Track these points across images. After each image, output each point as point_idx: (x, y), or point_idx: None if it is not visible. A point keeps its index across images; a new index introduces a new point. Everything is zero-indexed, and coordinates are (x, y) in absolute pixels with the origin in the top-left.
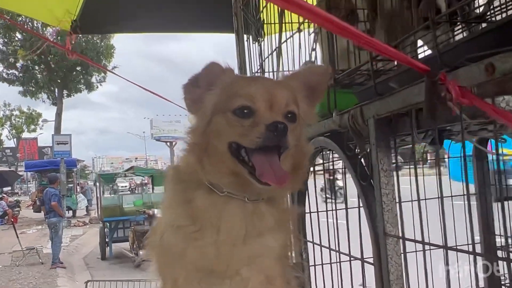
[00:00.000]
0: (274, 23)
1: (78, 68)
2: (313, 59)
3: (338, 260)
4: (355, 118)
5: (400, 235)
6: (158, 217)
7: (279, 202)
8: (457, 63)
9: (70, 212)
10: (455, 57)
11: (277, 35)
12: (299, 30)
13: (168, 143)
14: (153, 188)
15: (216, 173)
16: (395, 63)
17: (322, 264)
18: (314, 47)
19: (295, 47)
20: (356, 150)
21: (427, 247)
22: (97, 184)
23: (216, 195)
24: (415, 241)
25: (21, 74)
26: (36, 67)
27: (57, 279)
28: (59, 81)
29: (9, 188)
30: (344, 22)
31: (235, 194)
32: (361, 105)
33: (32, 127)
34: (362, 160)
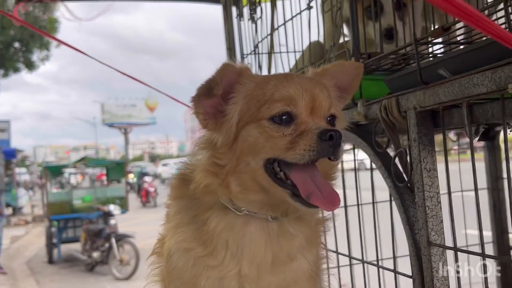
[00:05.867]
0: None
1: (16, 45)
2: (321, 39)
3: (337, 264)
4: (389, 110)
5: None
6: (163, 234)
7: (310, 216)
8: None
9: (10, 209)
10: None
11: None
12: (308, 7)
13: (123, 130)
14: (108, 182)
15: (243, 191)
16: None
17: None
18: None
19: (296, 25)
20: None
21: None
22: (43, 177)
23: (233, 215)
24: (462, 251)
25: None
26: None
27: None
28: None
29: None
30: None
31: (256, 213)
32: (397, 95)
33: None
34: (397, 157)
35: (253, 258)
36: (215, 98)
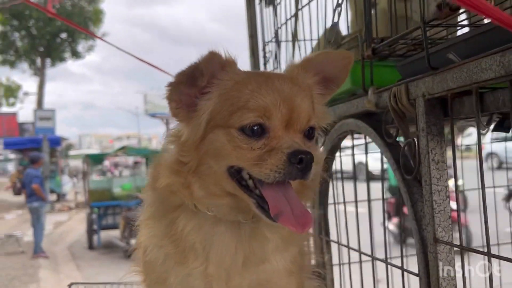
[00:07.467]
0: None
1: (63, 36)
2: (338, 23)
3: (359, 260)
4: (398, 97)
5: (457, 242)
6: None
7: None
8: None
9: (54, 195)
10: None
11: None
12: None
13: (164, 120)
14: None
15: (207, 197)
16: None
17: (340, 264)
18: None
19: (313, 11)
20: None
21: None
22: (84, 165)
23: (202, 215)
24: (478, 252)
25: None
26: (16, 34)
27: (39, 271)
28: (41, 49)
29: None
30: None
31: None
32: (406, 82)
33: (12, 100)
34: (406, 148)
35: (221, 259)
36: (193, 88)
